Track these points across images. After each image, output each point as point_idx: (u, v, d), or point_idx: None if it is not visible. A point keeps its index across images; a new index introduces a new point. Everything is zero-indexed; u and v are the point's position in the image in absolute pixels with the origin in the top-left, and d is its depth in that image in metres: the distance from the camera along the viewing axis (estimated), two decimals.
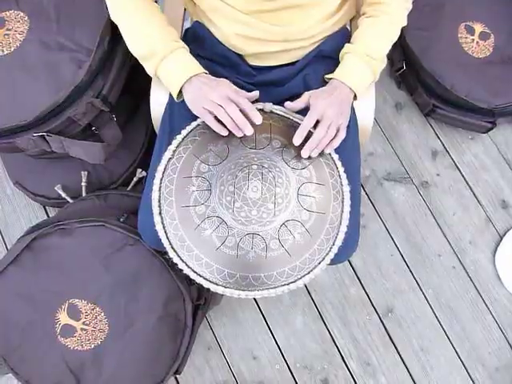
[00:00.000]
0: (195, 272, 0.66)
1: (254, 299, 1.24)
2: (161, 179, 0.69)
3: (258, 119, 0.67)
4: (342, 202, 0.70)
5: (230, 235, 0.66)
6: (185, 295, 0.91)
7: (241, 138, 0.71)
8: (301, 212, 0.68)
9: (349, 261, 1.28)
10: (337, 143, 0.71)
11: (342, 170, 0.72)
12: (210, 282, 0.66)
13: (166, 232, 0.67)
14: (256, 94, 0.74)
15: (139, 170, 1.13)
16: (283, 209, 0.68)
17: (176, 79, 0.72)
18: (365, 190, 1.34)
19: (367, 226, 1.31)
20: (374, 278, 1.27)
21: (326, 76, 0.79)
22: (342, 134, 0.72)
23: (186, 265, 0.66)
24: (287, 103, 0.73)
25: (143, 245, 0.89)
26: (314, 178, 0.70)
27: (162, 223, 0.67)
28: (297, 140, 0.68)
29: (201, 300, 0.97)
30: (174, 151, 0.70)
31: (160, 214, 0.68)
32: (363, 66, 0.74)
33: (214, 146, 0.71)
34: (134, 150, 1.13)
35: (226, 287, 0.66)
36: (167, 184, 0.68)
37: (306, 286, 1.26)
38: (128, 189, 1.12)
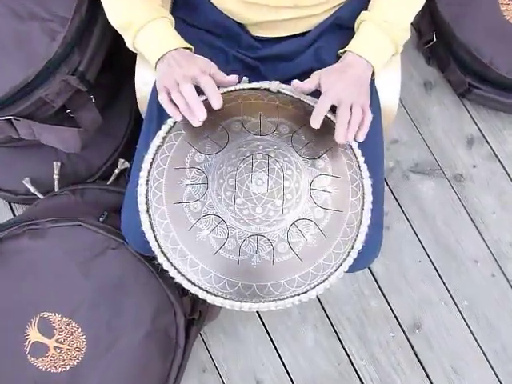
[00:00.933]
0: (189, 280, 0.67)
1: (258, 313, 1.24)
2: (148, 171, 0.69)
3: (216, 102, 0.67)
4: (363, 197, 0.70)
5: (231, 237, 0.66)
6: (176, 308, 0.91)
7: (243, 122, 0.71)
8: (314, 209, 0.69)
9: (369, 268, 1.27)
10: (367, 124, 0.71)
11: (361, 160, 0.72)
12: (207, 292, 0.66)
13: (154, 233, 0.67)
14: (234, 78, 0.74)
15: (122, 161, 1.13)
16: (293, 206, 0.68)
17: (152, 54, 0.72)
18: (388, 185, 1.33)
19: (391, 227, 1.30)
20: (398, 288, 1.27)
21: (340, 51, 0.79)
22: (369, 114, 0.71)
23: (179, 272, 0.67)
24: (294, 82, 0.72)
25: (127, 249, 0.89)
26: (329, 169, 0.70)
27: (150, 223, 0.67)
28: (315, 123, 0.68)
29: (195, 314, 0.98)
30: (164, 138, 0.71)
31: (148, 211, 0.68)
32: (381, 34, 0.74)
33: (211, 131, 0.71)
34: (116, 137, 1.12)
35: (225, 298, 0.66)
36: (156, 177, 0.68)
37: (318, 298, 1.25)
38: (109, 182, 1.11)
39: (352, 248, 0.69)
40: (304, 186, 0.69)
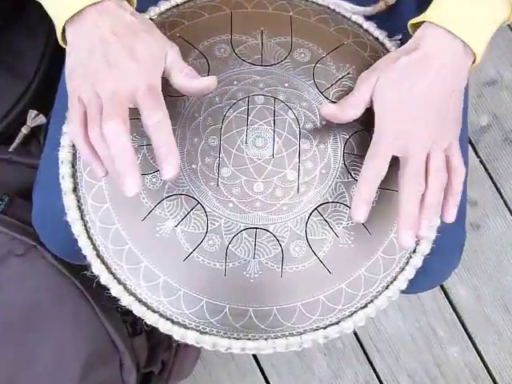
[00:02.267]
0: (144, 303, 0.65)
1: (255, 357, 1.21)
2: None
3: (167, 171, 0.59)
4: None
5: (212, 231, 0.65)
6: (123, 355, 0.91)
7: (233, 44, 0.71)
8: (350, 187, 0.68)
9: (443, 289, 1.25)
10: (457, 198, 0.66)
11: None
12: (173, 322, 0.65)
13: (86, 226, 0.67)
14: (212, 81, 0.65)
15: (33, 113, 1.09)
16: (316, 181, 0.67)
17: (56, 7, 0.64)
18: (477, 155, 1.32)
19: (482, 225, 1.27)
20: (496, 329, 1.25)
21: (411, 21, 0.70)
22: (461, 170, 0.66)
23: (126, 289, 0.65)
24: (324, 107, 0.67)
25: (42, 254, 0.88)
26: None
27: (80, 209, 0.67)
28: (357, 214, 0.63)
29: (154, 365, 0.98)
30: None
31: (75, 191, 0.68)
32: None
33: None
34: (22, 77, 1.09)
35: (202, 332, 0.65)
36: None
37: (357, 336, 1.23)
38: (11, 149, 1.09)
39: (413, 252, 0.68)
40: (334, 148, 0.68)
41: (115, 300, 0.67)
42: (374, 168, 0.63)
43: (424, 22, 0.66)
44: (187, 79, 0.64)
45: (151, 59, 0.63)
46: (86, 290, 0.90)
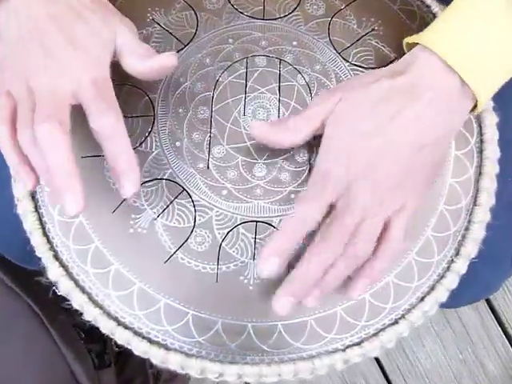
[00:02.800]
0: (114, 317, 0.64)
1: None
2: None
3: (127, 188, 0.59)
4: (480, 153, 0.70)
5: (201, 225, 0.65)
6: None
7: None
8: None
9: (494, 311, 1.27)
10: (375, 275, 0.63)
11: None
12: (152, 342, 0.63)
13: (41, 219, 0.66)
14: (170, 59, 0.64)
15: None
16: None
17: None
18: None
19: None
20: None
21: (406, 40, 0.69)
22: (397, 243, 0.62)
23: (92, 300, 0.64)
24: (251, 124, 0.65)
25: None
26: None
27: (33, 198, 0.67)
28: (262, 271, 0.60)
29: None
30: None
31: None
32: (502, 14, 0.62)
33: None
34: None
35: (189, 355, 0.63)
36: None
37: (382, 369, 1.25)
38: None
39: (456, 255, 0.66)
40: None
41: (75, 315, 0.66)
42: (301, 213, 0.60)
43: (418, 43, 0.63)
44: (139, 61, 0.62)
45: (97, 45, 0.61)
46: (41, 311, 0.89)
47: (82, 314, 0.65)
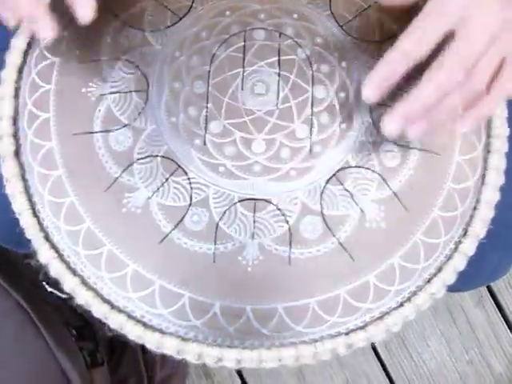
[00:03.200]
0: (106, 300, 0.64)
1: (240, 375, 1.25)
2: (19, 67, 0.69)
3: (83, 12, 0.62)
4: (488, 130, 0.70)
5: (198, 203, 0.65)
6: None
7: None
8: (380, 147, 0.68)
9: (501, 310, 1.28)
10: (492, 106, 0.65)
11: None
12: (146, 326, 0.63)
13: (31, 201, 0.66)
14: None
15: None
16: (335, 139, 0.67)
17: None
18: None
19: None
20: None
21: None
22: (510, 84, 0.65)
23: (84, 282, 0.64)
24: None
25: None
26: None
27: (24, 178, 0.66)
28: (367, 93, 0.63)
29: None
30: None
31: (17, 154, 0.67)
32: None
33: None
34: None
35: (185, 339, 0.63)
36: (36, 79, 0.68)
37: (385, 370, 1.26)
38: None
39: (464, 235, 0.66)
40: (358, 97, 0.67)
41: (66, 299, 0.67)
42: (412, 41, 0.61)
43: None
44: None
45: None
46: (31, 310, 0.90)
47: (70, 298, 0.65)
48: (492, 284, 1.45)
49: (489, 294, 1.44)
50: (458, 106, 0.63)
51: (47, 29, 0.62)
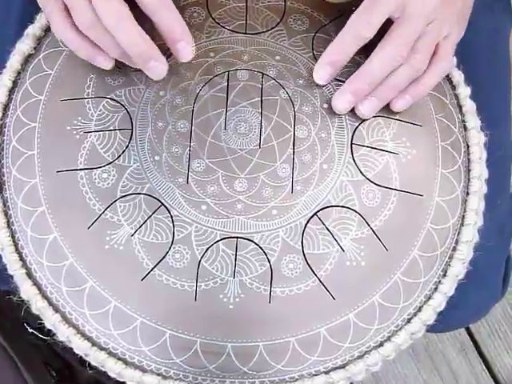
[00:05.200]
0: (88, 338, 0.64)
1: None
2: (5, 105, 0.70)
3: (184, 51, 0.67)
4: (467, 169, 0.71)
5: (180, 241, 0.64)
6: None
7: (209, 7, 0.73)
8: (360, 188, 0.67)
9: (479, 350, 1.28)
10: (421, 90, 0.70)
11: (466, 93, 0.73)
12: (127, 363, 0.63)
13: (14, 238, 0.66)
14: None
15: None
16: (315, 178, 0.67)
17: None
18: None
19: None
20: None
21: None
22: (446, 63, 0.70)
23: (65, 318, 0.64)
24: None
25: None
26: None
27: (6, 214, 0.67)
28: (317, 76, 0.69)
29: None
30: (39, 40, 0.72)
31: (0, 191, 0.67)
32: None
33: (142, 24, 0.67)
34: None
35: (165, 377, 0.63)
36: (21, 117, 0.69)
37: None
38: None
39: (443, 276, 0.67)
40: (339, 137, 0.68)
41: (47, 337, 0.67)
42: (359, 25, 0.65)
43: None
44: None
45: None
46: (10, 347, 0.90)
47: (52, 335, 0.65)
48: (475, 332, 1.44)
49: (471, 343, 1.43)
50: (403, 83, 0.67)
51: (161, 69, 0.66)
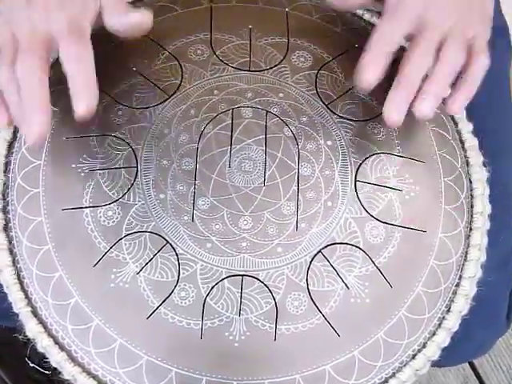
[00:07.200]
0: (94, 376, 0.63)
1: None
2: (9, 142, 0.69)
3: (81, 107, 0.64)
4: (470, 205, 0.71)
5: (185, 279, 0.64)
6: None
7: (213, 45, 0.73)
8: (364, 225, 0.67)
9: (480, 380, 1.26)
10: (475, 81, 0.69)
11: (467, 129, 0.73)
12: None
13: (19, 276, 0.65)
14: (144, 17, 0.69)
15: None
16: (319, 216, 0.67)
17: None
18: None
19: None
20: None
21: None
22: (482, 62, 0.69)
23: (71, 357, 0.63)
24: None
25: None
26: (396, 146, 0.71)
27: (11, 252, 0.66)
28: (364, 78, 0.67)
29: None
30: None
31: (6, 228, 0.67)
32: None
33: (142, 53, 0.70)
34: None
35: None
36: (25, 154, 0.68)
37: None
38: None
39: (447, 311, 0.67)
40: (342, 175, 0.68)
41: (53, 375, 0.65)
42: (384, 29, 0.67)
43: None
44: (116, 16, 0.65)
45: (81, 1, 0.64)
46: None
47: (58, 372, 0.64)
48: (478, 366, 1.43)
49: (474, 376, 1.42)
50: (444, 82, 0.68)
51: (40, 125, 0.62)
